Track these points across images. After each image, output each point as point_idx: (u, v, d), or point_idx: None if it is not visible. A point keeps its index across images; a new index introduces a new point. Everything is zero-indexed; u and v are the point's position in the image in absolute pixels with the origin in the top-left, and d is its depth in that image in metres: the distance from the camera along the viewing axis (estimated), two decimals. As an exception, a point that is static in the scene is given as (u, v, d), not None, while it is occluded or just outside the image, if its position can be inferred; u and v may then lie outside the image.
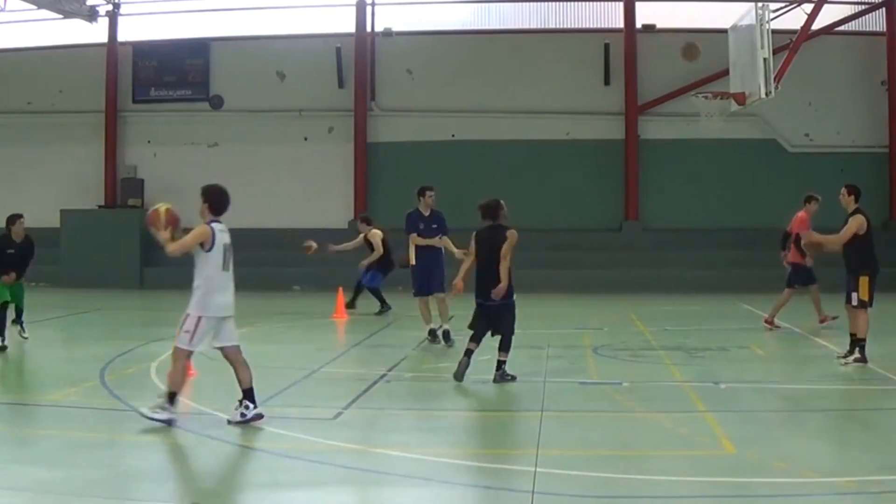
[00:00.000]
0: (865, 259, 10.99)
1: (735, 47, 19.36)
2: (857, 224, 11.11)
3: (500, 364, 9.74)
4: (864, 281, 10.76)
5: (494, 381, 9.59)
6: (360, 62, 25.63)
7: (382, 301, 16.64)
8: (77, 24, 25.11)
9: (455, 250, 12.30)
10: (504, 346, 9.79)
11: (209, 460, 6.92)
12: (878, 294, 10.69)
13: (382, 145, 25.78)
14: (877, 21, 25.00)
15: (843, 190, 11.69)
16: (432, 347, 12.75)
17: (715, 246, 23.84)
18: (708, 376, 9.62)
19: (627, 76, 24.98)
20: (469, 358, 9.69)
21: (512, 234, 10.03)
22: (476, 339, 9.87)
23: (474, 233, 10.38)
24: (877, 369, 10.47)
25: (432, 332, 12.62)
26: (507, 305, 9.88)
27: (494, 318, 9.87)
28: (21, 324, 12.31)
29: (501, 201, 10.26)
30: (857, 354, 10.71)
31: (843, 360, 10.79)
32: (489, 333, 9.88)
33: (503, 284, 9.74)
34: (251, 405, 7.65)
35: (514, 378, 9.65)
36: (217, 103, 26.40)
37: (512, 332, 9.83)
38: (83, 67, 26.39)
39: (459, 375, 9.59)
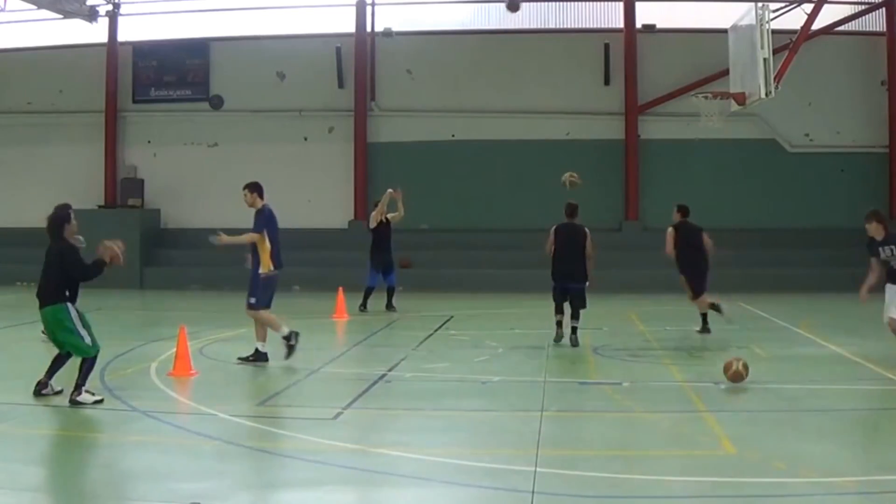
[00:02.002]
0: None
1: (735, 47, 19.35)
2: None
3: (574, 330, 12.46)
4: None
5: (571, 344, 12.28)
6: (360, 62, 25.63)
7: (365, 305, 16.94)
8: (77, 24, 25.10)
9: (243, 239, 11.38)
10: (576, 317, 12.57)
11: (209, 460, 6.93)
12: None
13: (382, 145, 25.78)
14: (877, 21, 24.99)
15: None
16: (433, 347, 12.75)
17: (715, 246, 23.83)
18: (708, 376, 9.62)
19: (627, 76, 24.97)
20: (561, 327, 12.61)
21: (589, 232, 12.95)
22: (559, 311, 12.74)
23: (554, 227, 13.10)
24: (877, 369, 10.47)
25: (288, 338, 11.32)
26: (583, 289, 12.72)
27: (573, 297, 12.63)
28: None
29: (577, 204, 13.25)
30: None
31: None
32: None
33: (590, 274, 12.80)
34: None
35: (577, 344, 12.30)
36: (217, 103, 26.40)
37: (584, 307, 12.68)
38: (83, 67, 26.38)
39: (559, 338, 12.59)
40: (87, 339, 8.74)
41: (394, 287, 17.21)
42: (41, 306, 8.76)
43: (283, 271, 11.60)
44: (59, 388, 8.81)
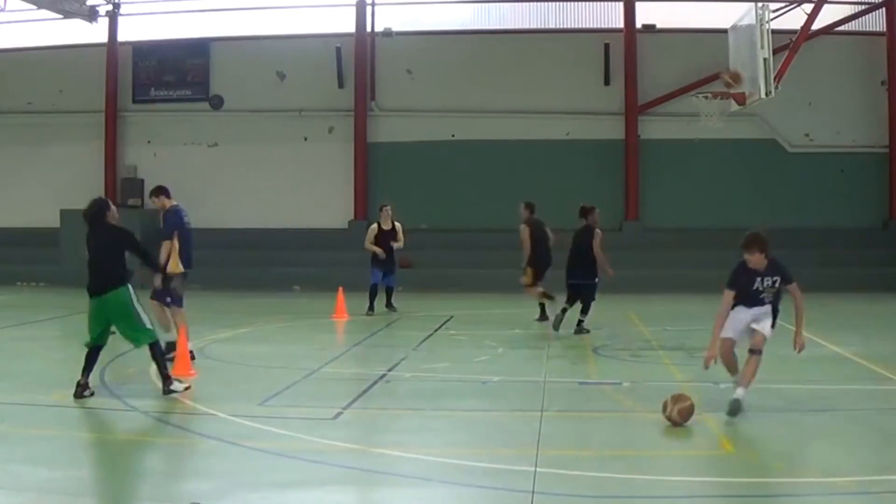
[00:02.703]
0: None
1: (735, 47, 19.35)
2: None
3: (580, 322, 13.69)
4: None
5: (575, 332, 13.38)
6: (360, 62, 25.63)
7: (373, 306, 16.65)
8: (77, 24, 25.11)
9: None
10: (584, 311, 13.78)
11: (209, 460, 6.92)
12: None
13: (382, 145, 25.78)
14: (877, 21, 25.00)
15: None
16: (433, 347, 12.76)
17: (715, 246, 23.78)
18: (708, 376, 9.60)
19: (627, 76, 24.98)
20: (564, 314, 13.74)
21: (598, 234, 13.98)
22: (570, 301, 13.93)
23: (575, 231, 14.26)
24: (877, 369, 10.47)
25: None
26: (589, 285, 13.89)
27: (582, 292, 13.83)
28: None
29: (594, 207, 14.35)
30: None
31: None
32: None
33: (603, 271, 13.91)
34: None
35: (588, 331, 13.54)
36: (217, 103, 26.41)
37: (593, 300, 13.87)
38: (83, 67, 26.39)
39: (557, 325, 13.62)
40: (146, 321, 8.84)
41: (392, 287, 17.10)
42: (100, 293, 8.71)
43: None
44: (92, 390, 8.77)
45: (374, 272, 16.76)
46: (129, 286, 8.78)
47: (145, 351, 10.81)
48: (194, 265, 11.13)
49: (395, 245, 16.73)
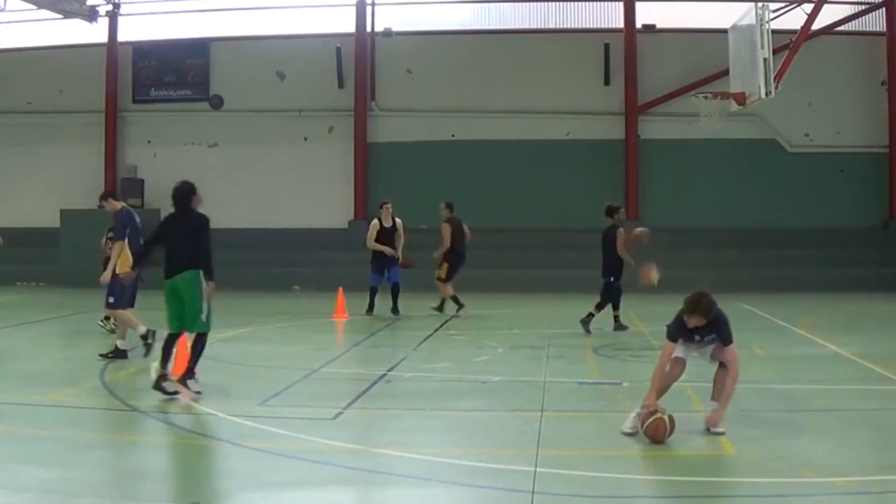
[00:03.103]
0: None
1: (735, 47, 19.35)
2: None
3: (590, 315, 14.11)
4: None
5: (581, 321, 13.93)
6: (360, 62, 25.63)
7: (373, 305, 16.56)
8: (77, 24, 25.12)
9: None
10: (598, 307, 14.25)
11: (209, 460, 6.92)
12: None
13: (382, 145, 25.79)
14: (877, 21, 25.00)
15: None
16: (433, 347, 12.76)
17: (715, 246, 23.85)
18: (708, 376, 9.58)
19: (627, 76, 24.98)
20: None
21: (620, 233, 14.16)
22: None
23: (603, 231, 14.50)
24: (877, 369, 10.47)
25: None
26: (605, 283, 14.35)
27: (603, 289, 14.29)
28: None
29: (619, 206, 14.84)
30: None
31: None
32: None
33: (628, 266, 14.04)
34: None
35: (590, 332, 13.83)
36: (217, 103, 26.41)
37: (608, 301, 14.34)
38: (83, 67, 26.39)
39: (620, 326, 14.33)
40: (206, 313, 8.94)
41: (399, 286, 16.53)
42: (173, 274, 8.91)
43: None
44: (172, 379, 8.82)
45: (375, 276, 16.53)
46: (201, 273, 8.90)
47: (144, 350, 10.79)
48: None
49: (394, 250, 16.47)
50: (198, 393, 8.78)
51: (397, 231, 16.65)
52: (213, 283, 8.98)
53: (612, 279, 14.28)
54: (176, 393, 8.63)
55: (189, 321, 8.99)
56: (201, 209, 9.25)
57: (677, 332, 7.58)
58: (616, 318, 14.43)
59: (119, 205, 11.33)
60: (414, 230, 18.26)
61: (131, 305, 11.45)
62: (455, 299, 16.29)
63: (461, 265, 16.60)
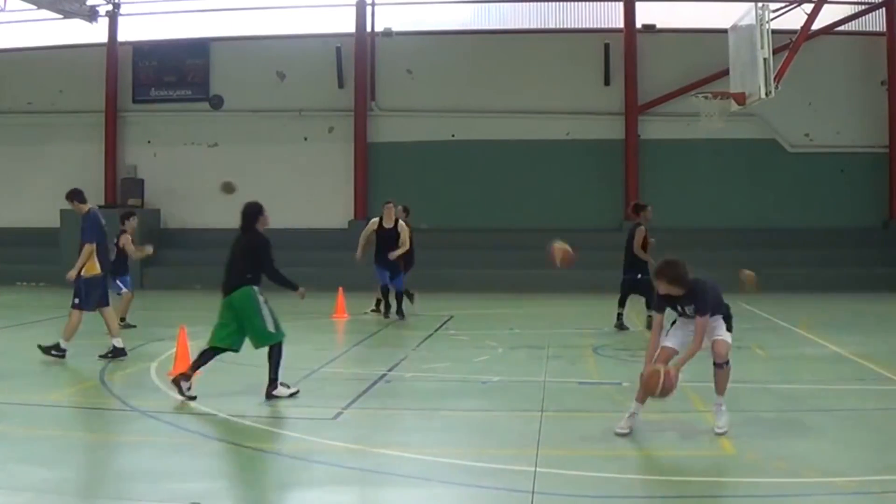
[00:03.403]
0: None
1: (735, 47, 19.37)
2: None
3: (619, 315, 14.36)
4: None
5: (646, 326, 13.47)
6: (360, 62, 25.62)
7: (389, 304, 16.20)
8: (77, 24, 25.10)
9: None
10: (620, 302, 14.47)
11: (209, 460, 6.92)
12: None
13: (382, 145, 25.78)
14: (877, 21, 24.99)
15: None
16: (433, 347, 12.76)
17: (715, 246, 23.84)
18: (708, 376, 9.60)
19: (627, 76, 24.97)
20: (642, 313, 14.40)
21: (639, 231, 14.37)
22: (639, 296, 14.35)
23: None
24: (877, 369, 10.47)
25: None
26: (624, 280, 14.41)
27: (623, 286, 14.48)
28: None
29: (645, 204, 15.04)
30: None
31: None
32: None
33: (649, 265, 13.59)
34: None
35: (622, 327, 14.25)
36: (217, 103, 26.40)
37: (626, 295, 14.44)
38: (83, 67, 26.38)
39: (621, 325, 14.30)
40: (271, 324, 8.93)
41: (401, 291, 16.23)
42: (229, 291, 8.91)
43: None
44: (190, 384, 8.73)
45: (382, 273, 15.97)
46: (255, 288, 8.93)
47: (145, 351, 10.82)
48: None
49: (394, 254, 15.80)
50: (191, 398, 8.63)
51: (399, 235, 16.00)
52: (302, 289, 9.43)
53: (639, 276, 14.00)
54: (193, 398, 8.56)
55: (257, 338, 8.99)
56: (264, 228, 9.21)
57: (660, 302, 7.70)
58: (619, 315, 14.39)
59: (86, 207, 11.32)
60: (414, 230, 18.21)
61: (105, 305, 11.39)
62: (409, 294, 16.60)
63: (411, 267, 16.75)
